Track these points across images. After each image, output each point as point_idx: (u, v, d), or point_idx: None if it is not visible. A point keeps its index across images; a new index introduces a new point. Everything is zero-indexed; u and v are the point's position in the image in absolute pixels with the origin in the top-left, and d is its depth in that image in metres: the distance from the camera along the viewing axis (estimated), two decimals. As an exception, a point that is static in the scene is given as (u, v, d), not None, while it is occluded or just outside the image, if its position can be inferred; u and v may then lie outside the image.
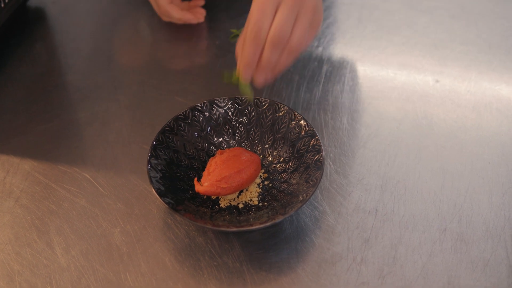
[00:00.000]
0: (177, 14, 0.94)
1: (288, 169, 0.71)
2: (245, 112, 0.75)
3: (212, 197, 0.70)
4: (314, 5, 0.66)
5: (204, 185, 0.66)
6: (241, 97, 0.75)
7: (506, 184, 0.72)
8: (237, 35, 0.65)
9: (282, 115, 0.74)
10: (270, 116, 0.74)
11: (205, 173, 0.68)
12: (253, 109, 0.75)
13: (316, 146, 0.69)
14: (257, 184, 0.71)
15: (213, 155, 0.74)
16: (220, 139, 0.75)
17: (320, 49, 0.91)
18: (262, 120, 0.75)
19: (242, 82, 0.66)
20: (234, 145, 0.75)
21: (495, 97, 0.83)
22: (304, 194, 0.65)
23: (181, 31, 0.96)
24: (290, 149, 0.72)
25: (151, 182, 0.65)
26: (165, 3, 0.93)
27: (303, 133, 0.71)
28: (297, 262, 0.65)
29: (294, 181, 0.69)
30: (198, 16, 0.96)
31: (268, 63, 0.64)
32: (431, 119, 0.80)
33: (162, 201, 0.63)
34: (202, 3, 0.98)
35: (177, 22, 0.96)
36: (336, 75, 0.87)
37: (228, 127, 0.75)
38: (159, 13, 0.96)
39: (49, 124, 0.81)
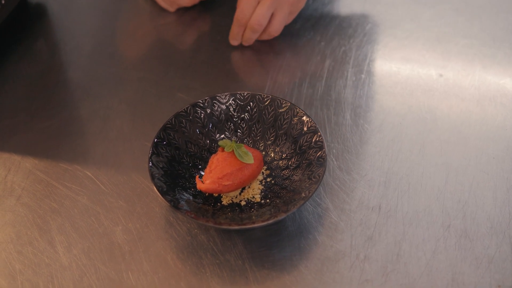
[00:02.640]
0: None
1: (291, 165, 0.71)
2: (247, 108, 0.75)
3: (214, 194, 0.69)
4: (293, 1, 0.87)
5: (206, 183, 0.66)
6: (243, 93, 0.74)
7: (510, 179, 0.71)
8: None
9: (284, 111, 0.73)
10: (272, 112, 0.74)
11: (206, 171, 0.67)
12: (255, 105, 0.74)
13: (318, 142, 0.69)
14: (259, 181, 0.71)
15: (215, 152, 0.73)
16: (222, 136, 0.74)
17: (322, 44, 0.91)
18: (264, 116, 0.74)
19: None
20: (236, 142, 0.74)
21: (499, 91, 0.82)
22: (307, 191, 0.64)
23: (182, 27, 0.95)
24: (293, 146, 0.72)
25: (153, 180, 0.65)
26: None
27: (305, 129, 0.71)
28: (300, 260, 0.64)
29: (296, 178, 0.68)
30: None
31: (249, 39, 0.88)
32: (435, 113, 0.79)
33: (164, 199, 0.63)
34: None
35: (188, 5, 0.97)
36: (339, 70, 0.86)
37: (230, 124, 0.75)
38: (166, 4, 0.96)
39: (50, 121, 0.80)
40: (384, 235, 0.66)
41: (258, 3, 0.85)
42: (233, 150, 0.68)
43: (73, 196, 0.71)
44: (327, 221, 0.68)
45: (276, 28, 0.87)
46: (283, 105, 0.73)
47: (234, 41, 0.90)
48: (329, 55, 0.88)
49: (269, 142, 0.74)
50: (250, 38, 0.88)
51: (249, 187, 0.70)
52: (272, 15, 0.86)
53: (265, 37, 0.89)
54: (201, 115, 0.73)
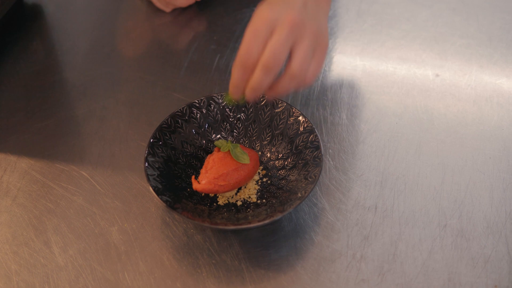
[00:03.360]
0: None
1: (287, 165, 0.71)
2: (243, 109, 0.74)
3: (210, 194, 0.69)
4: (316, 29, 0.60)
5: (202, 183, 0.66)
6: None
7: (507, 179, 0.71)
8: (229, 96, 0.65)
9: (280, 111, 0.73)
10: (268, 112, 0.74)
11: (202, 171, 0.67)
12: (251, 105, 0.74)
13: (315, 142, 0.69)
14: (256, 181, 0.71)
15: (211, 152, 0.73)
16: (218, 136, 0.74)
17: (319, 43, 0.90)
18: (260, 117, 0.74)
19: (230, 98, 0.64)
20: (232, 142, 0.74)
21: (496, 91, 0.82)
22: (303, 191, 0.64)
23: (178, 28, 0.95)
24: (289, 146, 0.72)
25: (149, 180, 0.65)
26: None
27: (301, 129, 0.71)
28: (296, 260, 0.64)
29: (292, 178, 0.68)
30: None
31: (259, 85, 0.59)
32: (431, 113, 0.79)
33: (160, 199, 0.63)
34: None
35: (183, 6, 0.96)
36: (335, 70, 0.86)
37: (226, 124, 0.75)
38: (161, 5, 0.96)
39: (46, 121, 0.80)
40: (380, 235, 0.66)
41: (271, 34, 0.59)
42: (229, 150, 0.68)
43: (69, 196, 0.71)
44: (324, 221, 0.68)
45: (301, 65, 0.59)
46: (279, 105, 0.73)
47: (236, 92, 0.62)
48: (326, 55, 0.88)
49: (265, 142, 0.74)
50: (260, 84, 0.59)
51: (245, 187, 0.70)
52: (291, 53, 0.60)
53: (286, 83, 0.61)
54: (197, 115, 0.73)
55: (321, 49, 0.61)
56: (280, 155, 0.72)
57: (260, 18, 0.58)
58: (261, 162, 0.73)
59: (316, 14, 0.62)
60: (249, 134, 0.74)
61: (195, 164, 0.72)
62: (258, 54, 0.58)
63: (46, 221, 0.69)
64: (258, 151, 0.74)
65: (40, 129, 0.79)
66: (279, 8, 0.59)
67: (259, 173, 0.72)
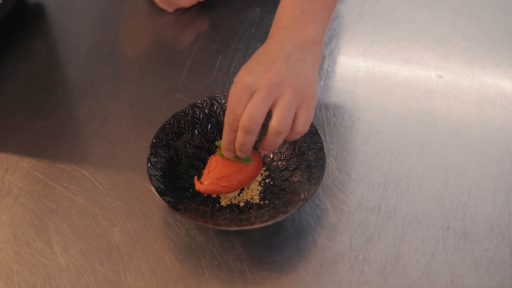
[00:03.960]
0: None
1: (290, 166, 0.70)
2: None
3: (212, 195, 0.69)
4: (297, 84, 0.61)
5: (205, 184, 0.66)
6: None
7: (510, 181, 0.71)
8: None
9: (283, 112, 0.73)
10: (271, 113, 0.73)
11: (205, 171, 0.67)
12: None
13: (318, 144, 0.68)
14: (258, 182, 0.70)
15: (214, 153, 0.73)
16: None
17: (321, 44, 0.90)
18: (263, 117, 0.74)
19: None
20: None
21: (498, 92, 0.82)
22: (306, 192, 0.64)
23: (180, 28, 0.95)
24: (292, 147, 0.71)
25: (151, 180, 0.64)
26: None
27: (304, 130, 0.70)
28: (298, 261, 0.64)
29: (295, 179, 0.68)
30: None
31: (243, 146, 0.62)
32: (434, 115, 0.79)
33: (162, 200, 0.62)
34: None
35: (186, 6, 0.96)
36: (338, 71, 0.86)
37: (229, 124, 0.74)
38: (164, 5, 0.95)
39: (48, 121, 0.80)
40: (383, 237, 0.66)
41: (251, 97, 0.61)
42: None
43: (71, 196, 0.71)
44: (326, 222, 0.67)
45: (280, 122, 0.61)
46: (282, 106, 0.73)
47: (227, 152, 0.65)
48: (328, 56, 0.88)
49: (268, 143, 0.73)
50: (243, 143, 0.62)
51: (248, 188, 0.70)
52: (272, 111, 0.62)
53: (271, 140, 0.63)
54: (200, 115, 0.73)
55: (307, 101, 0.62)
56: (283, 156, 0.72)
57: (239, 84, 0.61)
58: (264, 163, 0.72)
59: (301, 65, 0.63)
60: (251, 134, 0.74)
61: (198, 165, 0.72)
62: (240, 115, 0.61)
63: (48, 221, 0.68)
64: (261, 152, 0.73)
65: (42, 129, 0.79)
66: (258, 70, 0.61)
67: (262, 174, 0.71)
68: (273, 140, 0.62)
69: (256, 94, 0.60)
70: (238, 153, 0.64)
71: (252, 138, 0.62)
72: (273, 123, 0.61)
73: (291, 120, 0.61)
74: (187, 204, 0.65)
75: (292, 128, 0.62)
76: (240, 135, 0.62)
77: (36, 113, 0.81)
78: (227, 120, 0.62)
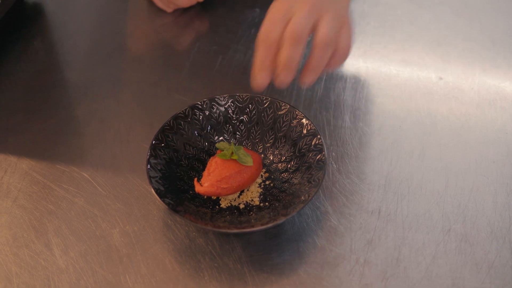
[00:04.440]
0: None
1: (290, 168, 0.70)
2: (246, 111, 0.74)
3: (212, 197, 0.69)
4: (336, 8, 0.61)
5: (204, 186, 0.65)
6: (242, 95, 0.74)
7: (511, 184, 0.71)
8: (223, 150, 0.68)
9: (283, 114, 0.72)
10: (271, 115, 0.73)
11: (205, 173, 0.67)
12: (254, 107, 0.74)
13: (318, 145, 0.68)
14: (258, 184, 0.70)
15: (214, 154, 0.73)
16: (221, 138, 0.74)
17: (321, 45, 0.90)
18: (263, 119, 0.74)
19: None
20: (235, 144, 0.74)
21: (499, 94, 0.82)
22: (306, 194, 0.64)
23: (180, 28, 0.94)
24: (292, 148, 0.71)
25: (151, 182, 0.64)
26: None
27: (305, 131, 0.70)
28: (299, 264, 0.64)
29: (296, 181, 0.68)
30: None
31: (290, 59, 0.59)
32: (434, 117, 0.79)
33: (162, 202, 0.62)
34: None
35: (185, 6, 0.95)
36: (338, 73, 0.86)
37: (229, 126, 0.74)
38: (163, 5, 0.95)
39: (47, 122, 0.79)
40: (384, 239, 0.66)
41: (292, 14, 0.60)
42: (232, 153, 0.67)
43: (70, 198, 0.70)
44: (327, 224, 0.67)
45: (327, 35, 0.59)
46: (282, 108, 0.73)
47: (261, 72, 0.61)
48: (328, 57, 0.88)
49: (268, 145, 0.73)
50: (290, 58, 0.59)
51: (248, 190, 0.69)
52: (316, 27, 0.61)
53: (319, 56, 0.61)
54: (199, 117, 0.73)
55: (346, 25, 0.62)
56: (283, 158, 0.72)
57: (278, 5, 0.60)
58: (264, 165, 0.72)
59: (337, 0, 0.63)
60: (251, 136, 0.74)
61: (198, 167, 0.72)
62: (281, 32, 0.59)
63: (47, 223, 0.68)
64: (261, 153, 0.73)
65: (41, 129, 0.79)
66: None
67: (262, 176, 0.71)
68: (320, 57, 0.60)
69: (298, 12, 0.59)
70: (282, 75, 0.60)
71: (300, 51, 0.59)
72: (319, 36, 0.59)
73: (335, 37, 0.61)
74: (187, 206, 0.65)
75: (336, 48, 0.61)
76: (286, 49, 0.58)
77: (35, 113, 0.81)
78: (264, 32, 0.59)
